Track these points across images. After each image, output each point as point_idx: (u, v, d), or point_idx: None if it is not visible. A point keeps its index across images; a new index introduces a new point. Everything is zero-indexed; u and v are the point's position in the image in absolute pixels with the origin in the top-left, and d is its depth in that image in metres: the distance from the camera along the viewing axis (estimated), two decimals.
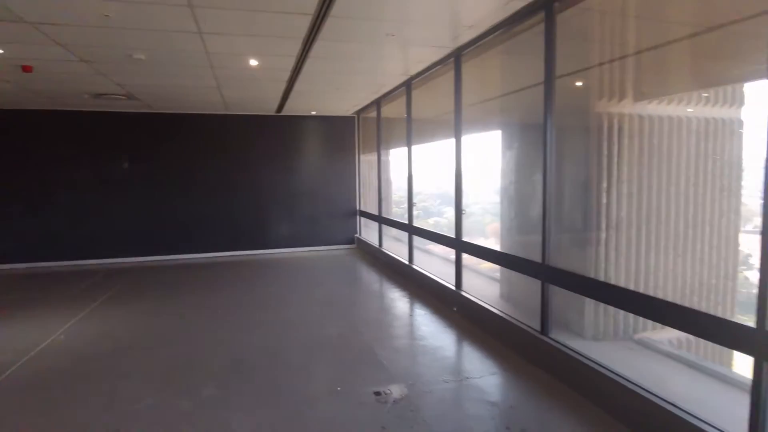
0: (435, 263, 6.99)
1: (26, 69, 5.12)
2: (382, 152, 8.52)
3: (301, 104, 8.20)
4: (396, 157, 8.44)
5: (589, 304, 3.92)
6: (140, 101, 7.58)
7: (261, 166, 9.23)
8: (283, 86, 6.51)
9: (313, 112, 9.22)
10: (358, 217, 9.92)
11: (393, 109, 7.86)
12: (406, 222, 6.94)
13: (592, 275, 3.78)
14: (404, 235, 7.32)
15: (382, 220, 8.37)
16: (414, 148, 6.80)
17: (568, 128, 3.93)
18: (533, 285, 4.05)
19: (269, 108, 8.58)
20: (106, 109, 8.22)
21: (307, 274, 7.48)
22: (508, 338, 4.18)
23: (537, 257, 3.85)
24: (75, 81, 5.92)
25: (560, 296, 3.86)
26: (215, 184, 9.02)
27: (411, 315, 5.32)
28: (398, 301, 5.86)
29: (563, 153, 3.85)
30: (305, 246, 9.59)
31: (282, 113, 9.10)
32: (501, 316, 4.31)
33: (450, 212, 8.23)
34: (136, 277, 7.38)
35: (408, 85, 6.53)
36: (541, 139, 3.74)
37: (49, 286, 6.83)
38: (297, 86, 6.43)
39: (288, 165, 9.39)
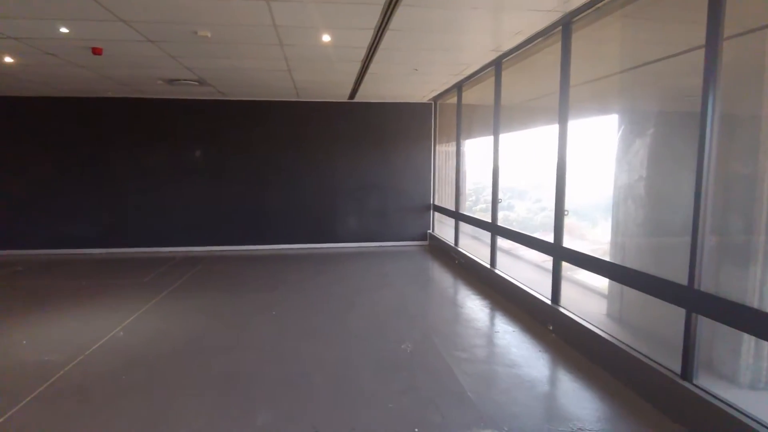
0: (521, 268, 6.14)
1: (96, 51, 4.93)
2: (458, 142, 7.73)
3: (375, 90, 7.61)
4: (471, 147, 7.62)
5: (749, 341, 2.96)
6: (213, 88, 7.37)
7: (331, 156, 8.80)
8: (357, 67, 5.93)
9: (388, 99, 8.60)
10: (431, 211, 9.22)
11: (474, 95, 7.04)
12: (489, 220, 6.12)
13: (755, 304, 2.82)
14: (482, 231, 6.54)
15: (459, 216, 7.60)
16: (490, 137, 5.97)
17: (727, 109, 2.97)
18: (659, 307, 3.16)
19: (341, 94, 8.09)
20: (181, 96, 8.14)
21: (376, 273, 6.92)
22: (628, 375, 3.31)
23: (676, 277, 2.95)
24: (147, 65, 5.71)
25: (705, 326, 2.95)
26: (285, 175, 8.72)
27: (496, 331, 4.55)
28: (479, 311, 5.11)
29: (721, 142, 2.90)
30: (375, 241, 9.05)
31: (354, 100, 8.58)
32: (616, 345, 3.44)
33: (520, 207, 7.34)
34: (204, 267, 7.21)
35: (497, 65, 5.69)
36: (689, 125, 2.82)
37: (122, 273, 6.82)
38: (372, 67, 5.83)
39: (359, 155, 8.88)
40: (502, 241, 6.08)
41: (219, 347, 4.07)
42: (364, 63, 5.65)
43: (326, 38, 4.61)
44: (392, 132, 8.95)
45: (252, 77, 6.53)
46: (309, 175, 8.77)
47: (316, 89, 7.60)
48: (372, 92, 7.84)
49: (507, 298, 5.38)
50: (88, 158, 8.26)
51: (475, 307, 5.27)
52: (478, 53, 5.41)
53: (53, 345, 4.08)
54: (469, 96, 7.23)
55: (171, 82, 6.83)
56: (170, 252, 8.37)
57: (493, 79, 5.86)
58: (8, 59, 5.36)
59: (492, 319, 4.88)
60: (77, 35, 4.42)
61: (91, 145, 8.25)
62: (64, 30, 4.24)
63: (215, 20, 4.03)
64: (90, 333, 4.33)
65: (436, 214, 9.12)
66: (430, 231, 9.17)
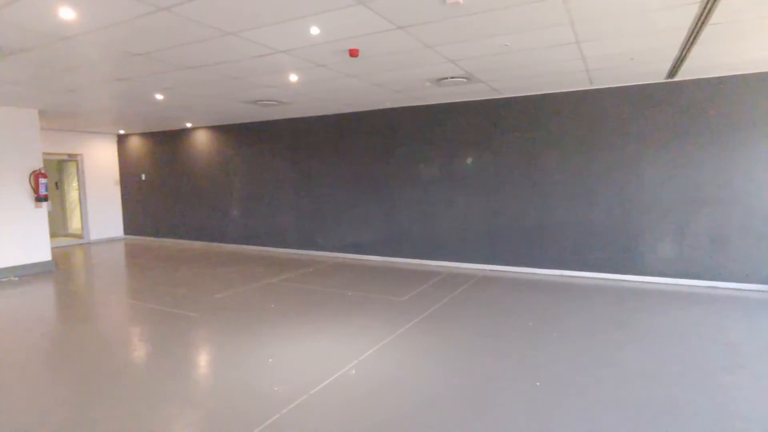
0: None
1: (352, 53, 4.55)
2: None
3: (715, 56, 5.04)
4: None
5: None
6: (484, 84, 6.36)
7: (636, 159, 6.53)
8: (690, 16, 3.80)
9: (734, 71, 5.75)
10: None
11: None
12: None
13: None
14: None
15: None
16: None
17: None
18: None
19: (655, 71, 5.79)
20: (453, 99, 7.49)
21: (713, 338, 4.45)
22: None
23: None
24: (408, 63, 5.12)
25: None
26: (571, 183, 6.96)
27: None
28: None
29: None
30: (703, 279, 6.26)
31: (675, 79, 6.11)
32: None
33: None
34: (467, 290, 6.24)
35: None
36: None
37: (385, 287, 6.52)
38: (719, 12, 3.61)
39: (680, 157, 6.29)
40: None
41: (449, 426, 2.90)
42: (707, 4, 3.51)
43: None
44: (736, 120, 5.99)
45: (527, 61, 5.17)
46: (603, 184, 6.75)
47: (618, 68, 5.59)
48: (707, 62, 5.28)
49: None
50: (372, 169, 8.56)
51: None
52: None
53: (289, 372, 3.76)
54: None
55: (438, 81, 6.15)
56: (439, 267, 7.84)
57: None
58: (293, 77, 5.65)
59: None
60: (328, 35, 4.05)
61: (375, 156, 8.50)
62: (315, 30, 3.91)
63: None
64: (327, 362, 3.89)
65: None
66: None
